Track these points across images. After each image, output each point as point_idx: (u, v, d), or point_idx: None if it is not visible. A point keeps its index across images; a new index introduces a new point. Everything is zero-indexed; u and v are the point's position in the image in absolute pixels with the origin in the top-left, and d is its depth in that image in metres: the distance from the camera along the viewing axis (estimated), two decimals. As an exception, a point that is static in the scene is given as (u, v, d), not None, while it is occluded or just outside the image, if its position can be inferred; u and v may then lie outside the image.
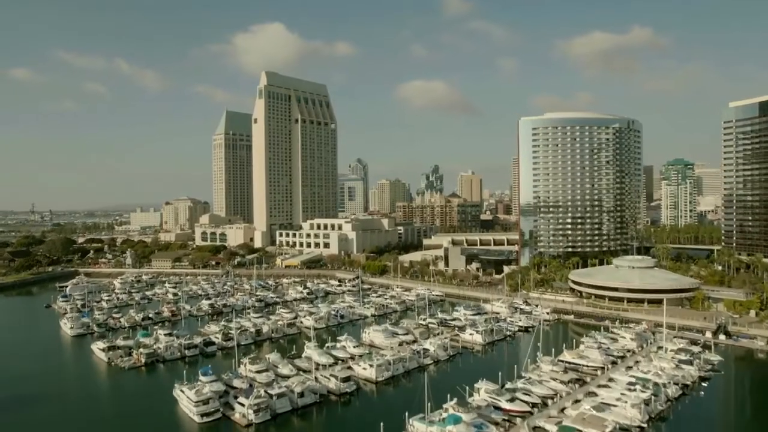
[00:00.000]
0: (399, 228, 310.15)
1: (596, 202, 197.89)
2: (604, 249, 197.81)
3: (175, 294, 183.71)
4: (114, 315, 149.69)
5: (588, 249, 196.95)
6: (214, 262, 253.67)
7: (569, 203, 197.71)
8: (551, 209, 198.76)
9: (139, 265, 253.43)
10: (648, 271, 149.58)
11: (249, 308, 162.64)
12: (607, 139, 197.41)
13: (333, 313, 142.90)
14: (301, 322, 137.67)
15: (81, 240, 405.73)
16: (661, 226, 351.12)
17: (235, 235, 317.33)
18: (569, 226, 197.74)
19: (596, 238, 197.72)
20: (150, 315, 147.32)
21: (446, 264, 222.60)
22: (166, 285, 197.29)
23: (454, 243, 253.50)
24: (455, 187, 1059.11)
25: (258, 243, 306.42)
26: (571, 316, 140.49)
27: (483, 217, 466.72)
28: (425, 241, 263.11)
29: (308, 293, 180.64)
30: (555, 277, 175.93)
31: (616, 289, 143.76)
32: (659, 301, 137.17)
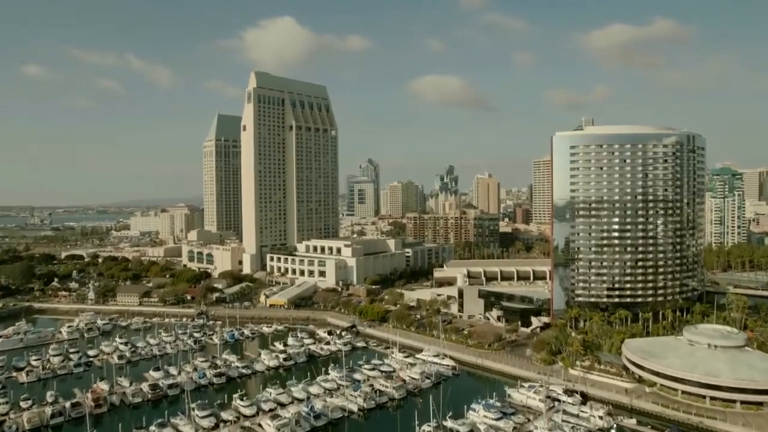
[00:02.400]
0: (407, 251, 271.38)
1: (650, 240, 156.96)
2: (659, 297, 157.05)
3: (121, 357, 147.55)
4: (22, 402, 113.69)
5: (640, 298, 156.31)
6: (189, 297, 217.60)
7: (616, 241, 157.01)
8: (593, 248, 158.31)
9: (102, 300, 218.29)
10: (738, 355, 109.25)
11: (205, 386, 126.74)
12: (665, 160, 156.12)
13: (305, 412, 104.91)
14: (260, 426, 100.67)
15: (64, 255, 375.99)
16: (705, 247, 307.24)
17: (222, 258, 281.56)
18: (616, 270, 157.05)
19: (650, 284, 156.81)
20: (66, 406, 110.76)
21: (460, 308, 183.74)
22: (117, 341, 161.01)
23: (470, 276, 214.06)
24: (470, 187, 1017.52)
25: (246, 268, 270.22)
26: (633, 422, 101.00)
27: (502, 226, 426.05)
28: (436, 273, 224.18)
29: (285, 358, 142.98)
30: (601, 343, 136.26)
31: (697, 384, 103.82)
32: (760, 403, 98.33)
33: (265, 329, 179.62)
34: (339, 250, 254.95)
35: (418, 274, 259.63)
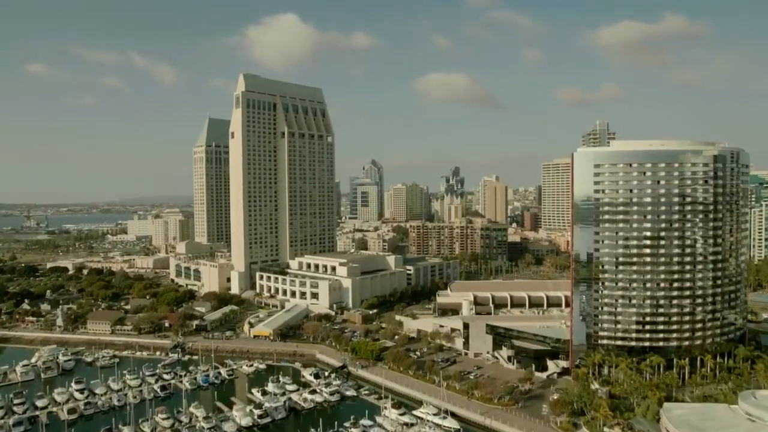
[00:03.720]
0: (408, 268, 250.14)
1: (687, 274, 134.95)
2: (697, 339, 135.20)
3: (72, 411, 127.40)
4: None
5: (674, 341, 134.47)
6: (167, 323, 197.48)
7: (647, 272, 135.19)
8: (619, 279, 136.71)
9: (72, 328, 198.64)
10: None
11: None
12: (705, 181, 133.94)
13: None
14: None
15: (49, 266, 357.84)
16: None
17: (209, 275, 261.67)
18: (647, 309, 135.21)
19: (686, 324, 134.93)
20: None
21: (466, 344, 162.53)
22: (73, 386, 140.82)
23: (476, 303, 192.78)
24: (476, 186, 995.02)
25: (235, 286, 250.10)
26: None
27: (510, 233, 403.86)
28: (440, 298, 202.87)
29: (261, 415, 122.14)
30: (633, 401, 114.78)
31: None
32: None
33: (245, 368, 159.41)
34: (334, 269, 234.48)
35: (420, 294, 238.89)
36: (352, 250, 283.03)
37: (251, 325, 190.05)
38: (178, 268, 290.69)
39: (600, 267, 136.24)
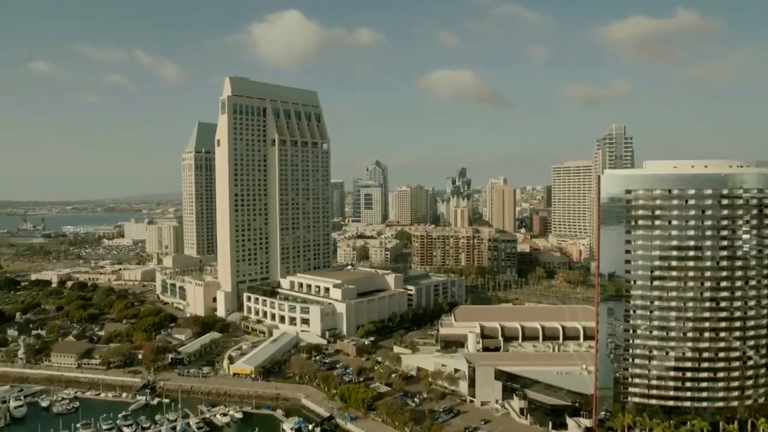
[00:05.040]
0: (410, 288, 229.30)
1: (737, 321, 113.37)
2: (747, 399, 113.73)
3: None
4: None
5: (719, 402, 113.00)
6: (140, 355, 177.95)
7: (689, 318, 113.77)
8: (653, 318, 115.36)
9: (35, 360, 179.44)
10: None
11: None
12: (759, 210, 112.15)
13: None
14: None
15: (34, 277, 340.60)
16: None
17: (194, 294, 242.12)
18: (688, 363, 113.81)
19: (734, 381, 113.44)
20: None
21: (472, 387, 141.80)
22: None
23: (484, 336, 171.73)
24: (482, 185, 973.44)
25: (221, 308, 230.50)
26: None
27: (519, 240, 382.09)
28: (443, 329, 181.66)
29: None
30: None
31: None
32: None
33: (219, 417, 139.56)
34: (327, 291, 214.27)
35: (422, 318, 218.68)
36: (350, 266, 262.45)
37: (231, 360, 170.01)
38: (164, 284, 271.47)
39: (631, 282, 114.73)
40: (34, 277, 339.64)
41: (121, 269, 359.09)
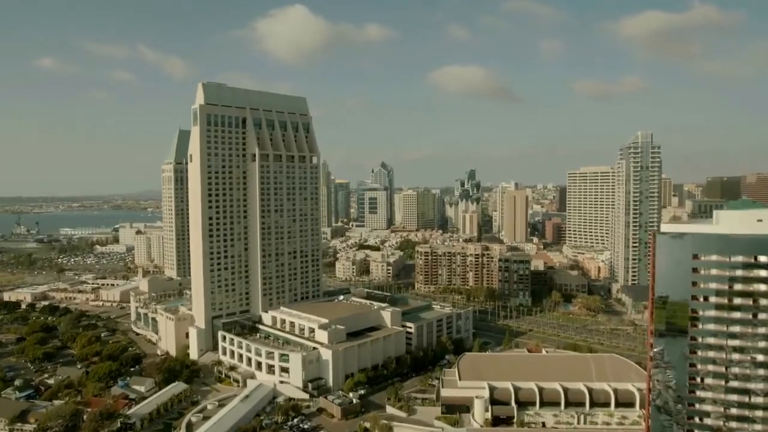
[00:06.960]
0: (409, 327, 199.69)
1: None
2: None
3: None
4: None
5: None
6: (84, 416, 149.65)
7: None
8: (732, 363, 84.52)
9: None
10: None
11: None
12: None
13: None
14: None
15: (6, 295, 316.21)
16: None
17: (165, 329, 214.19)
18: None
19: None
20: None
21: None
22: None
23: (494, 402, 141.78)
24: (491, 182, 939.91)
25: (193, 347, 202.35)
26: None
27: (532, 257, 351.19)
28: (445, 390, 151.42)
29: None
30: None
31: None
32: None
33: None
34: (312, 331, 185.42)
35: (422, 362, 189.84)
36: (342, 297, 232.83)
37: (189, 429, 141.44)
38: (137, 313, 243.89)
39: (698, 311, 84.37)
40: (6, 296, 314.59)
41: (101, 286, 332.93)
